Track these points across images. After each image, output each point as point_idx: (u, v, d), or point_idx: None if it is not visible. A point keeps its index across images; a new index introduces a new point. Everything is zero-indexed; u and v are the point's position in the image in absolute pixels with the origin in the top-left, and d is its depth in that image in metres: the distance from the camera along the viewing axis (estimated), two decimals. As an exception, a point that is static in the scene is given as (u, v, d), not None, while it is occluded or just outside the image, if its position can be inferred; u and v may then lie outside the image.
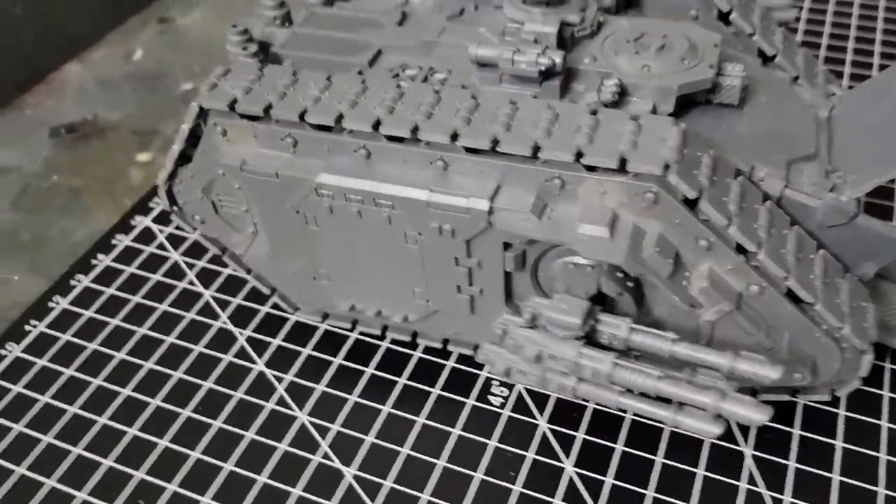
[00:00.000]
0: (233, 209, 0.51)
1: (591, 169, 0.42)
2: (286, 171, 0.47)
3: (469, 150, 0.44)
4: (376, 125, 0.45)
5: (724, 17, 0.56)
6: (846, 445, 0.49)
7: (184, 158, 0.51)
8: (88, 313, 0.60)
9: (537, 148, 0.43)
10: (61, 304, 0.60)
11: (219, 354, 0.56)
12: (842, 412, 0.51)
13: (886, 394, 0.52)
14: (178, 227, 0.65)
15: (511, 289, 0.49)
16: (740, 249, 0.43)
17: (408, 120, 0.44)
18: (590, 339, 0.43)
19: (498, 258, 0.46)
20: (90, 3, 0.95)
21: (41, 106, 0.82)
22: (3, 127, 0.79)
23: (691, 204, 0.42)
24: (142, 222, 0.67)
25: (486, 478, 0.49)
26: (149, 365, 0.56)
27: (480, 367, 0.54)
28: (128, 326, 0.58)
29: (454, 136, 0.44)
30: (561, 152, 0.42)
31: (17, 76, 0.84)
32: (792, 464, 0.48)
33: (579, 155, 0.42)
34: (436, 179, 0.45)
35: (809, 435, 0.50)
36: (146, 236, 0.65)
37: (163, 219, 0.67)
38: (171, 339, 0.57)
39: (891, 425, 0.50)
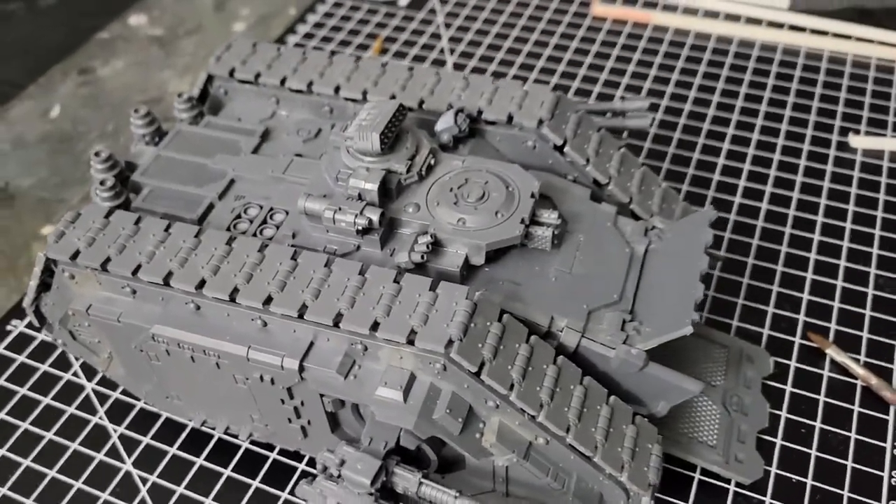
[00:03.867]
0: (89, 338, 0.56)
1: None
2: (127, 319, 0.51)
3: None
4: (200, 285, 0.49)
5: (559, 149, 0.59)
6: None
7: (47, 285, 0.55)
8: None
9: (340, 316, 0.47)
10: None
11: (92, 453, 0.61)
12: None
13: (691, 506, 0.57)
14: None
15: (337, 420, 0.54)
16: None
17: (229, 283, 0.48)
18: (387, 488, 0.48)
19: (317, 401, 0.51)
20: (12, 51, 0.98)
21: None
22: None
23: (476, 372, 0.46)
24: (37, 306, 0.71)
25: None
26: (27, 462, 0.61)
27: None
28: (11, 421, 0.63)
29: (267, 302, 0.48)
30: (358, 326, 0.46)
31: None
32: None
33: (375, 326, 0.46)
34: (256, 335, 0.49)
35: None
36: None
37: (57, 303, 0.71)
38: (50, 434, 0.62)
39: (688, 539, 0.55)
